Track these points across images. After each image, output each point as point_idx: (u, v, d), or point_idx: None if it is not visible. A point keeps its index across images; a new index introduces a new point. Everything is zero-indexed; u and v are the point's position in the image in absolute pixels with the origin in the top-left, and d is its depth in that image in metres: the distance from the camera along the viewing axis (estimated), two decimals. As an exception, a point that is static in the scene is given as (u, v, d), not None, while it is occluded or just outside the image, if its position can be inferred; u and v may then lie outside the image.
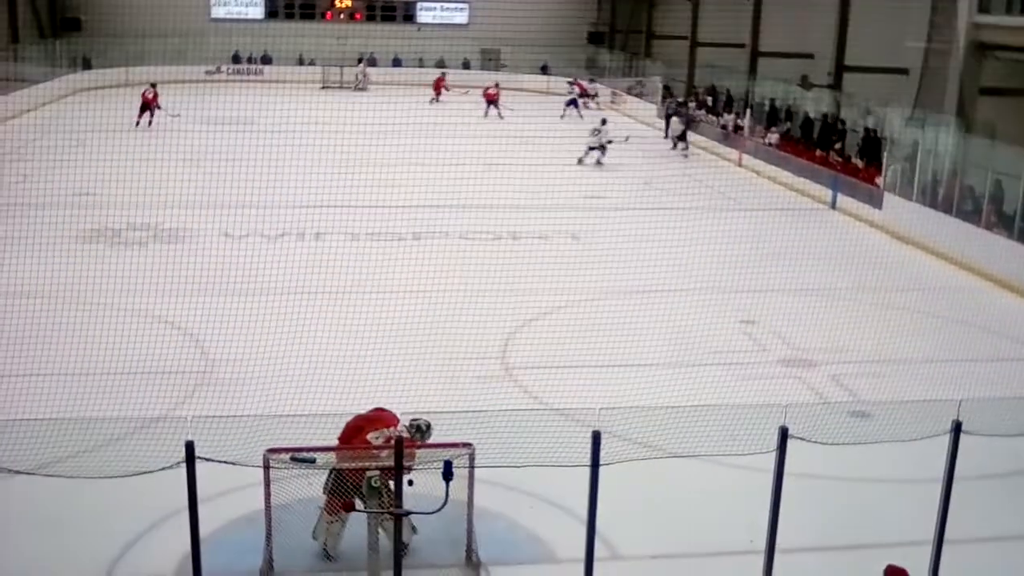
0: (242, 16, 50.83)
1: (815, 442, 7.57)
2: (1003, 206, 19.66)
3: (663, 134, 33.89)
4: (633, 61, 46.75)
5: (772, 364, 13.90)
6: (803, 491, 9.10)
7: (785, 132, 30.51)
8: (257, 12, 51.44)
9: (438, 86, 42.73)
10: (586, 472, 7.16)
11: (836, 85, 29.71)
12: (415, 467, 7.39)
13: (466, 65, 50.29)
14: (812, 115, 30.06)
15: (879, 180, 23.55)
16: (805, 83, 31.75)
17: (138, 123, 31.49)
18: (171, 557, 8.39)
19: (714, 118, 34.67)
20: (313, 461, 7.93)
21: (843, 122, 28.29)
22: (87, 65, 43.27)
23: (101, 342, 12.52)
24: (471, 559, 8.51)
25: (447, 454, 7.33)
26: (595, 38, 53.17)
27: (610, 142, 29.19)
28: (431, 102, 40.94)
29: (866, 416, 11.58)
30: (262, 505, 8.07)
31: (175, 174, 22.09)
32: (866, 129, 26.19)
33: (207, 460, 6.82)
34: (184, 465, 6.81)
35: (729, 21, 36.51)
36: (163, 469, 6.96)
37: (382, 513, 7.62)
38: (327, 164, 22.59)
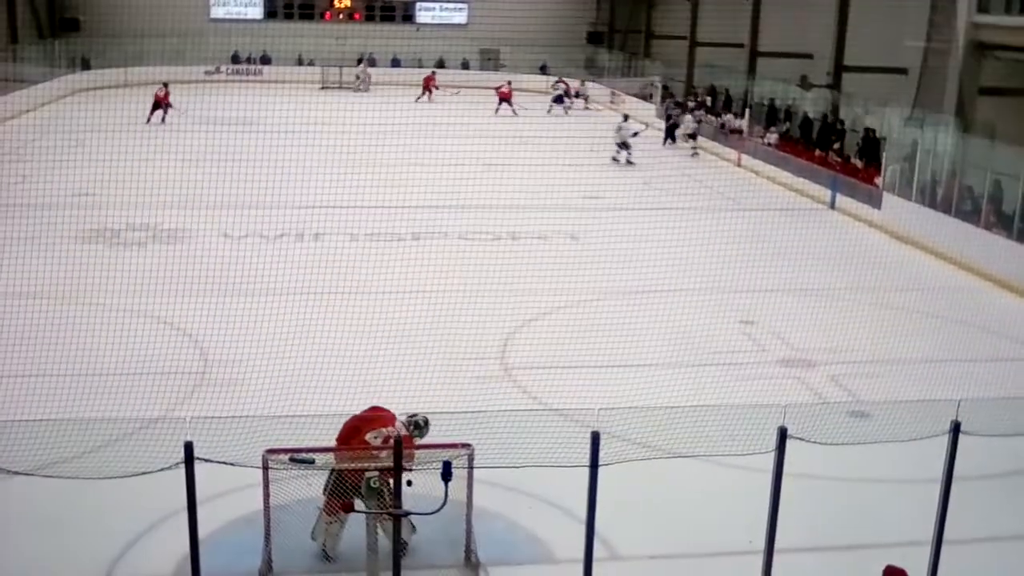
0: (241, 16, 50.86)
1: (814, 442, 7.57)
2: (1002, 206, 19.66)
3: (663, 135, 33.90)
4: (632, 61, 46.75)
5: (771, 364, 13.90)
6: (802, 491, 9.10)
7: (784, 132, 30.52)
8: (256, 12, 51.46)
9: (427, 84, 42.83)
10: (585, 472, 7.15)
11: (835, 85, 29.70)
12: (414, 467, 7.39)
13: (465, 65, 50.32)
14: (811, 115, 30.07)
15: (878, 180, 23.56)
16: (804, 83, 31.75)
17: (149, 120, 32.52)
18: (170, 558, 8.39)
19: (714, 118, 34.69)
20: (312, 462, 7.93)
21: (842, 122, 28.31)
22: (86, 65, 43.25)
23: (100, 343, 12.53)
24: (470, 559, 8.52)
25: (446, 454, 7.33)
26: (594, 38, 53.19)
27: (635, 135, 29.49)
28: (417, 100, 41.08)
29: (865, 416, 11.59)
30: (261, 506, 8.07)
31: (174, 174, 22.09)
32: (865, 129, 26.20)
33: (206, 461, 6.81)
34: (183, 466, 6.80)
35: (728, 21, 36.52)
36: (162, 470, 6.96)
37: (381, 513, 7.62)
38: (326, 164, 22.58)
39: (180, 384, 12.18)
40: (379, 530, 7.80)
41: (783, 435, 7.35)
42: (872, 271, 18.45)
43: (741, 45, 36.30)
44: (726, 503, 9.69)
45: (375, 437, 8.32)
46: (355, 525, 8.25)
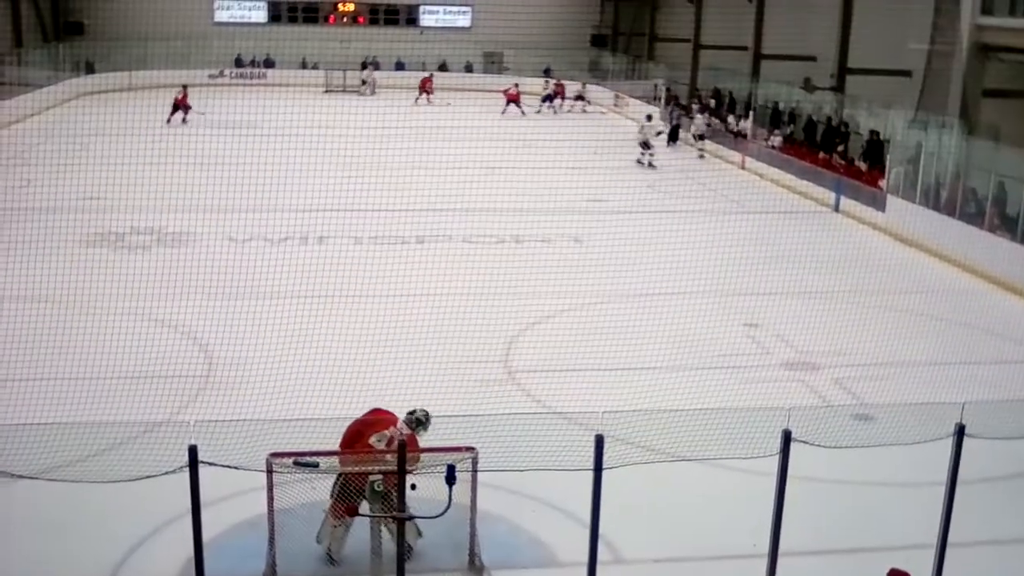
0: (245, 20, 50.93)
1: (818, 445, 7.56)
2: (1006, 208, 19.63)
3: (665, 138, 33.95)
4: (636, 64, 46.75)
5: (775, 367, 13.89)
6: (806, 494, 9.10)
7: (788, 135, 30.51)
8: (260, 16, 51.53)
9: (424, 86, 42.99)
10: (589, 476, 7.15)
11: (839, 87, 29.70)
12: (418, 471, 7.40)
13: (469, 68, 50.36)
14: (815, 118, 30.06)
15: (882, 183, 23.54)
16: (808, 86, 31.75)
17: (169, 121, 33.78)
18: (174, 561, 8.40)
19: (718, 121, 34.69)
20: (316, 465, 7.92)
21: (846, 125, 28.29)
22: (90, 69, 43.31)
23: (104, 346, 12.55)
24: (474, 563, 8.52)
25: (450, 458, 7.33)
26: (598, 41, 53.21)
27: (659, 134, 29.54)
28: (416, 102, 41.23)
29: (869, 419, 11.56)
30: (265, 509, 8.07)
31: (178, 178, 22.10)
32: (870, 131, 26.18)
33: (210, 464, 6.81)
34: (187, 469, 6.80)
35: (732, 24, 36.52)
36: (166, 473, 6.96)
37: (385, 517, 7.62)
38: (330, 168, 22.62)
39: (184, 388, 12.19)
40: (384, 533, 7.80)
41: (787, 438, 7.34)
42: (876, 274, 18.43)
43: (745, 48, 36.29)
44: (730, 506, 9.68)
45: (379, 440, 8.32)
46: (360, 528, 8.26)
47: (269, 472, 7.79)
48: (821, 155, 27.64)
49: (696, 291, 16.27)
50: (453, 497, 6.84)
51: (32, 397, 10.91)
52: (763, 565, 7.69)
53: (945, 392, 11.54)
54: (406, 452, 6.99)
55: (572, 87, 43.70)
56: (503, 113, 39.51)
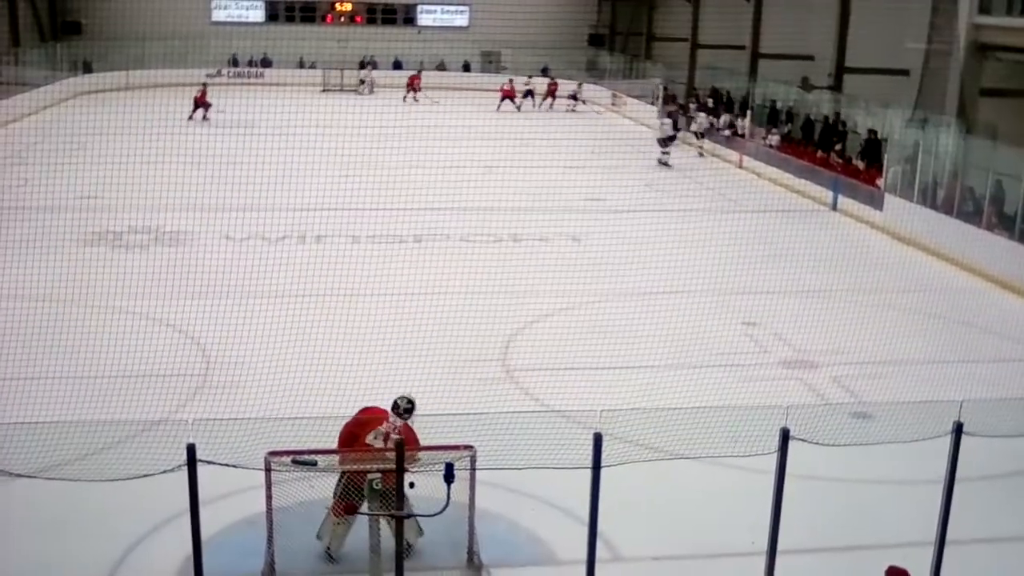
0: (242, 19, 50.88)
1: (816, 443, 7.57)
2: (1004, 207, 19.66)
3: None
4: (633, 63, 46.76)
5: (773, 365, 13.90)
6: (804, 492, 9.11)
7: (786, 134, 30.52)
8: (257, 15, 51.48)
9: (411, 83, 43.04)
10: (587, 474, 7.16)
11: (837, 87, 29.72)
12: (417, 468, 7.40)
13: (466, 67, 50.35)
14: (813, 117, 30.07)
15: (880, 181, 23.56)
16: (806, 85, 31.77)
17: (191, 118, 34.01)
18: (172, 560, 8.40)
19: (715, 119, 34.70)
20: (314, 464, 7.93)
21: (844, 123, 28.31)
22: (88, 69, 43.25)
23: (103, 345, 12.55)
24: (472, 561, 8.52)
25: (448, 456, 7.33)
26: (596, 40, 53.20)
27: (677, 131, 29.53)
28: (404, 99, 41.33)
29: (867, 417, 11.59)
30: (263, 508, 8.07)
31: (176, 177, 22.11)
32: (867, 130, 26.20)
33: (208, 463, 6.82)
34: (185, 468, 6.80)
35: (729, 23, 36.52)
36: (164, 472, 6.96)
37: (383, 515, 7.62)
38: (328, 167, 22.62)
39: (182, 386, 12.19)
40: (384, 531, 7.80)
41: (785, 436, 7.35)
42: (874, 272, 18.45)
43: (743, 47, 36.31)
44: (728, 504, 9.69)
45: (375, 437, 8.34)
46: (360, 526, 8.26)
47: (267, 470, 7.79)
48: (819, 154, 27.68)
49: (694, 290, 16.27)
50: (452, 495, 6.84)
51: (30, 396, 10.89)
52: (762, 563, 7.70)
53: (943, 390, 11.57)
54: (406, 447, 7.00)
55: (569, 86, 43.70)
56: (498, 109, 40.07)
